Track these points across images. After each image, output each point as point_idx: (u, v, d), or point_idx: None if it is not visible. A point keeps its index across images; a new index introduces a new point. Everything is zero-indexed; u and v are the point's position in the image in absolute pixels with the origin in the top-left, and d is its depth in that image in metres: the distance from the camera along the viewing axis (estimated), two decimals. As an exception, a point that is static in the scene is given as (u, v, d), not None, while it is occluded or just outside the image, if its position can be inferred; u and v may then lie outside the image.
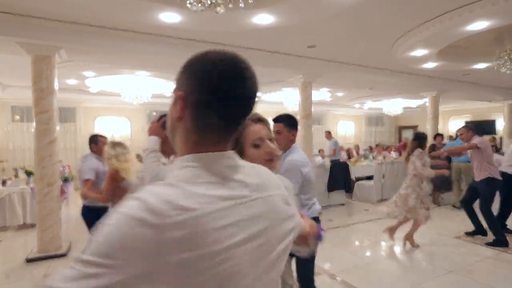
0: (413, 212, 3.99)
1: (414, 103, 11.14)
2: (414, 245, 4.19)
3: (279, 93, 8.89)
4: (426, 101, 11.51)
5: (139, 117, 10.74)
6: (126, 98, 7.48)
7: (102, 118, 10.34)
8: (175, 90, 0.66)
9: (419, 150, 3.93)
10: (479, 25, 3.63)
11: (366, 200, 7.14)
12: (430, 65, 5.66)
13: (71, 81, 7.22)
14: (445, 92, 8.22)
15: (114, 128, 10.17)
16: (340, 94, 9.23)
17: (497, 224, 4.22)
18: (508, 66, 4.44)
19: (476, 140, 4.17)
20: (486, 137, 11.50)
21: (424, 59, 5.23)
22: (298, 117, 6.16)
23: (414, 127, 15.47)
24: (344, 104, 12.45)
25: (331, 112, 13.67)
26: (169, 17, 3.53)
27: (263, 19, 3.57)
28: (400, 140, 14.50)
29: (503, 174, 4.45)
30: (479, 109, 13.41)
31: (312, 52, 5.25)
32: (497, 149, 9.04)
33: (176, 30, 4.03)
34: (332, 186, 6.70)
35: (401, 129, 16.09)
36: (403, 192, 4.06)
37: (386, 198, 7.21)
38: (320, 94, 9.53)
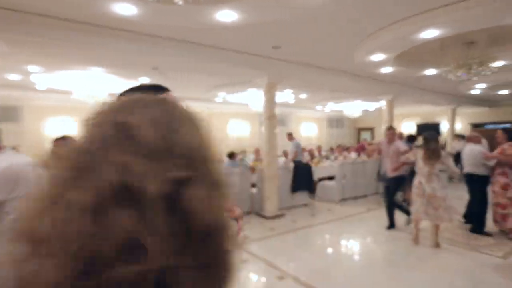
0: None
1: (371, 106, 11.69)
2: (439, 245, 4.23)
3: (244, 94, 8.83)
4: (383, 104, 12.27)
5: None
6: (78, 96, 6.92)
7: (55, 118, 9.48)
8: None
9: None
10: (431, 33, 3.86)
11: (329, 200, 7.32)
12: (387, 69, 5.94)
13: (14, 76, 6.51)
14: (400, 96, 8.73)
15: (67, 129, 9.43)
16: (303, 96, 9.39)
17: None
18: (454, 73, 4.77)
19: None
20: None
21: (382, 63, 5.47)
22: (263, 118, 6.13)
23: (371, 129, 16.33)
24: (307, 106, 12.74)
25: (295, 113, 13.91)
26: (124, 8, 3.27)
27: (227, 15, 3.46)
28: (358, 141, 15.18)
29: (468, 175, 4.84)
30: (426, 112, 14.48)
31: (277, 53, 5.24)
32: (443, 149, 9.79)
33: (132, 23, 3.76)
34: (295, 187, 6.76)
35: (359, 130, 16.89)
36: (441, 194, 4.02)
37: (347, 198, 7.47)
38: (284, 96, 9.62)
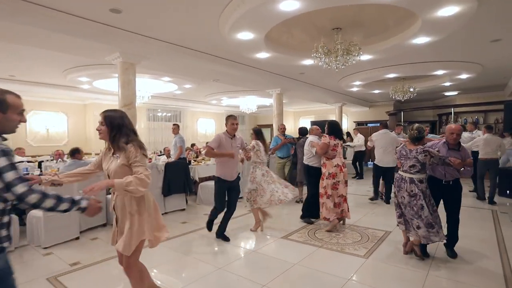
0: None
1: (268, 101, 11.51)
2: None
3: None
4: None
5: None
6: None
7: None
8: None
9: None
10: (290, 4, 3.33)
11: (212, 203, 6.48)
12: (263, 55, 5.42)
13: None
14: (288, 90, 8.56)
15: None
16: (187, 86, 8.40)
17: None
18: (324, 60, 4.47)
19: None
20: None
21: (254, 46, 4.89)
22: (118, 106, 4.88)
23: (270, 126, 16.48)
24: (201, 100, 11.83)
25: (189, 108, 12.84)
26: None
27: None
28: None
29: (304, 166, 4.97)
30: (320, 110, 15.33)
31: (121, 21, 4.10)
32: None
33: None
34: (168, 189, 5.73)
35: (261, 127, 16.84)
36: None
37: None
38: (166, 86, 8.46)
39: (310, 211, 4.90)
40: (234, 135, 3.94)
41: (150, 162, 6.33)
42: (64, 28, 3.88)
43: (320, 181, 4.51)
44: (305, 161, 4.89)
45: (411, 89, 8.26)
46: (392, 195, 5.26)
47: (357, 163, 9.82)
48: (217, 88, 9.70)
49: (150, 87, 8.04)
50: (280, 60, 5.81)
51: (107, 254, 3.70)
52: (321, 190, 4.47)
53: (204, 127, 13.96)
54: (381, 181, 6.35)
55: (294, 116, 16.45)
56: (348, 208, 4.52)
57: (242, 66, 6.27)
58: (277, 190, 4.27)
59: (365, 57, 5.66)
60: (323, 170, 4.49)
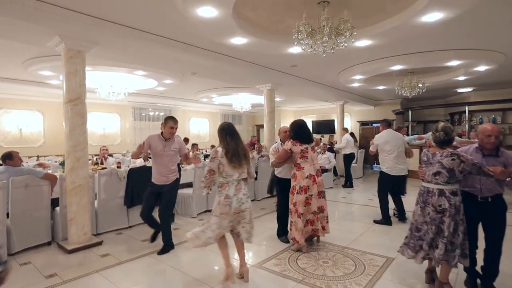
0: None
1: (262, 99, 10.60)
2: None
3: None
4: (277, 98, 11.43)
5: None
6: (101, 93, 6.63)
7: None
8: None
9: None
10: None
11: (187, 214, 5.64)
12: (239, 40, 4.54)
13: None
14: (279, 85, 7.66)
15: None
16: (168, 81, 7.57)
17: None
18: (308, 43, 3.57)
19: None
20: (326, 136, 12.26)
21: (224, 28, 4.02)
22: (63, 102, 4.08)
23: (269, 126, 15.59)
24: (192, 98, 11.01)
25: (180, 107, 12.04)
26: None
27: None
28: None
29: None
30: (322, 109, 14.37)
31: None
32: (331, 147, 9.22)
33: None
34: (131, 199, 4.90)
35: (259, 127, 15.99)
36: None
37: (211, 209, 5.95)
38: (146, 82, 7.66)
39: (286, 229, 4.09)
40: (170, 138, 3.79)
41: (119, 166, 5.53)
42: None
43: (290, 195, 3.74)
44: (276, 172, 4.13)
45: (420, 85, 7.27)
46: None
47: (345, 169, 8.60)
48: (205, 85, 8.86)
49: (126, 83, 7.25)
50: (262, 48, 4.92)
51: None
52: (291, 207, 3.72)
53: (197, 127, 13.15)
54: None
55: (295, 115, 15.50)
56: (327, 220, 3.80)
57: (220, 56, 5.39)
58: (235, 226, 2.92)
59: (362, 42, 4.73)
60: (293, 182, 3.71)
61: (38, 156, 7.43)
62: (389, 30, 4.23)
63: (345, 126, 10.16)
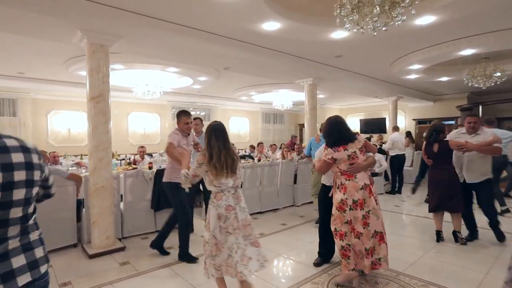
0: None
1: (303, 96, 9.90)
2: None
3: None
4: (320, 95, 10.62)
5: None
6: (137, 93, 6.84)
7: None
8: None
9: None
10: None
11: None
12: (271, 25, 3.97)
13: None
14: (322, 80, 6.92)
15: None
16: (203, 78, 7.27)
17: None
18: (352, 19, 2.87)
19: None
20: (374, 136, 11.09)
21: (254, 10, 3.48)
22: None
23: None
24: (231, 97, 10.70)
25: (219, 106, 11.82)
26: None
27: None
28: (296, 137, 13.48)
29: None
30: (371, 106, 13.16)
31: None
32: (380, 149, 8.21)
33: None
34: (157, 202, 4.62)
35: (301, 127, 15.20)
36: None
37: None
38: (181, 80, 7.46)
39: (327, 248, 3.37)
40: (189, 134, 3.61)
41: (150, 167, 5.31)
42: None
43: (335, 212, 2.81)
44: (322, 179, 3.43)
45: (497, 74, 5.98)
46: None
47: (391, 173, 7.60)
48: (243, 82, 8.45)
49: (161, 81, 7.12)
50: (299, 33, 4.28)
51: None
52: (340, 228, 2.76)
53: (237, 126, 12.83)
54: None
55: (341, 113, 14.36)
56: (387, 251, 2.78)
57: (251, 46, 4.85)
58: (236, 250, 2.29)
59: (424, 19, 3.85)
60: (339, 195, 2.77)
61: (81, 155, 7.64)
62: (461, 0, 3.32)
63: (397, 125, 8.97)
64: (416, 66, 6.23)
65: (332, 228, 2.81)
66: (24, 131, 8.13)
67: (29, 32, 3.84)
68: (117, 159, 6.89)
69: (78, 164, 5.78)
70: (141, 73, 6.48)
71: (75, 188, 4.05)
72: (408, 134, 9.57)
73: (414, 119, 12.17)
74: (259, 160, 6.91)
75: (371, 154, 2.87)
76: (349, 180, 2.74)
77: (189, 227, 3.79)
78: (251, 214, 5.35)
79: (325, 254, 3.38)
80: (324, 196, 3.29)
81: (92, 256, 3.71)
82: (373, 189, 2.76)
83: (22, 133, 8.04)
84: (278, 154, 9.01)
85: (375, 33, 2.94)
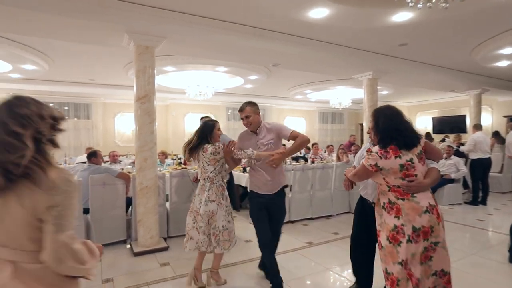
0: None
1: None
2: None
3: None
4: (382, 92, 9.60)
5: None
6: (189, 94, 7.18)
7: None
8: None
9: None
10: None
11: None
12: (320, 12, 3.54)
13: None
14: (384, 73, 6.15)
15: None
16: (253, 77, 7.08)
17: None
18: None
19: None
20: (451, 136, 9.57)
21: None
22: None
23: (375, 125, 13.49)
24: (285, 96, 10.37)
25: (274, 106, 11.57)
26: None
27: None
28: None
29: None
30: (447, 102, 11.52)
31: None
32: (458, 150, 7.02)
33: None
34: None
35: (363, 127, 14.07)
36: None
37: (295, 220, 5.09)
38: (233, 80, 7.40)
39: (365, 274, 2.68)
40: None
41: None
42: (49, 5, 3.16)
43: (385, 244, 1.93)
44: (359, 189, 2.63)
45: None
46: None
47: (472, 179, 6.43)
48: (296, 80, 8.07)
49: (212, 82, 7.15)
50: (351, 20, 3.76)
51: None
52: (392, 269, 1.88)
53: (293, 126, 12.41)
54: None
55: (409, 111, 12.94)
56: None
57: (299, 39, 4.47)
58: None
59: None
60: (390, 219, 1.92)
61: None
62: None
63: (479, 123, 7.54)
64: (507, 50, 5.08)
65: (383, 268, 1.98)
66: (96, 133, 9.05)
67: (71, 36, 4.05)
68: (172, 159, 7.11)
69: (134, 163, 6.09)
70: (193, 74, 6.58)
71: (125, 187, 4.21)
72: (496, 134, 8.05)
73: (505, 116, 10.23)
74: (312, 162, 6.46)
75: (434, 164, 2.01)
76: (403, 199, 1.90)
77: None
78: (300, 220, 5.06)
79: (363, 280, 2.70)
80: (361, 210, 2.60)
81: (136, 254, 3.78)
82: (440, 212, 1.92)
83: (94, 134, 8.96)
84: (324, 154, 8.42)
85: (447, 6, 2.33)
